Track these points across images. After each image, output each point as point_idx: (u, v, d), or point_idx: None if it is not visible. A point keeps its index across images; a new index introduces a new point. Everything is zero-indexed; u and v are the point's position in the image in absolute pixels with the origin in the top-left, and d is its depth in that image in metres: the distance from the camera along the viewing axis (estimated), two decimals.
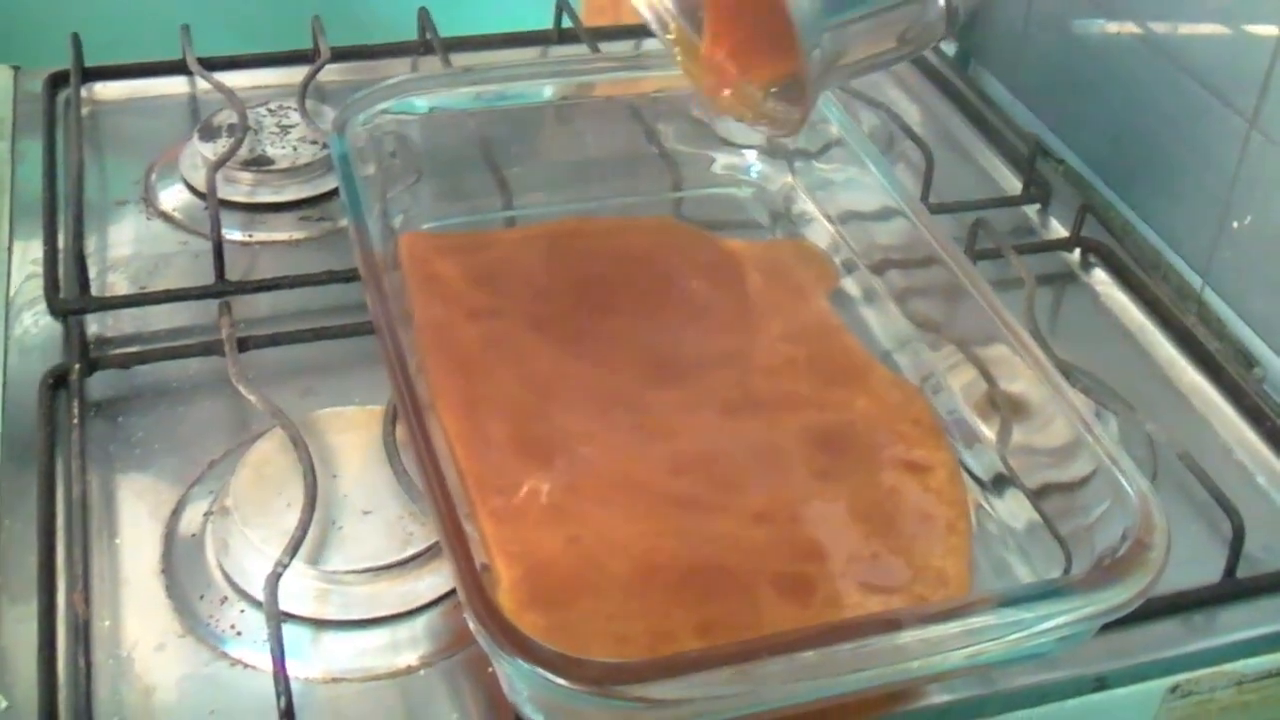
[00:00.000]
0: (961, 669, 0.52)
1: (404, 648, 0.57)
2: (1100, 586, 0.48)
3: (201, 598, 0.58)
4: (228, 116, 0.84)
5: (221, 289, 0.72)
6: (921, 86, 0.98)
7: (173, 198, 0.82)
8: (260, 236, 0.79)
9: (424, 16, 0.94)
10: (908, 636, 0.46)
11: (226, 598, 0.58)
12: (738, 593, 0.55)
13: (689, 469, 0.60)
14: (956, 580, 0.56)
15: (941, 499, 0.60)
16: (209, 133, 0.83)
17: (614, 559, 0.55)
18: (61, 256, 0.74)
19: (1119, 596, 0.48)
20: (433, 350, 0.63)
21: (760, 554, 0.56)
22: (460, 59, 0.91)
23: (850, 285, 0.73)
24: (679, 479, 0.59)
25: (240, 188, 0.81)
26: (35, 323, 0.71)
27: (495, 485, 0.58)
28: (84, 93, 0.90)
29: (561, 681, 0.44)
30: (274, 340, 0.70)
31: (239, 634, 0.57)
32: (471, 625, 0.45)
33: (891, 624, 0.47)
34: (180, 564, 0.60)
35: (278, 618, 0.53)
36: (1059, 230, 0.84)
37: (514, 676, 0.45)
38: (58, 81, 0.90)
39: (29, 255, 0.76)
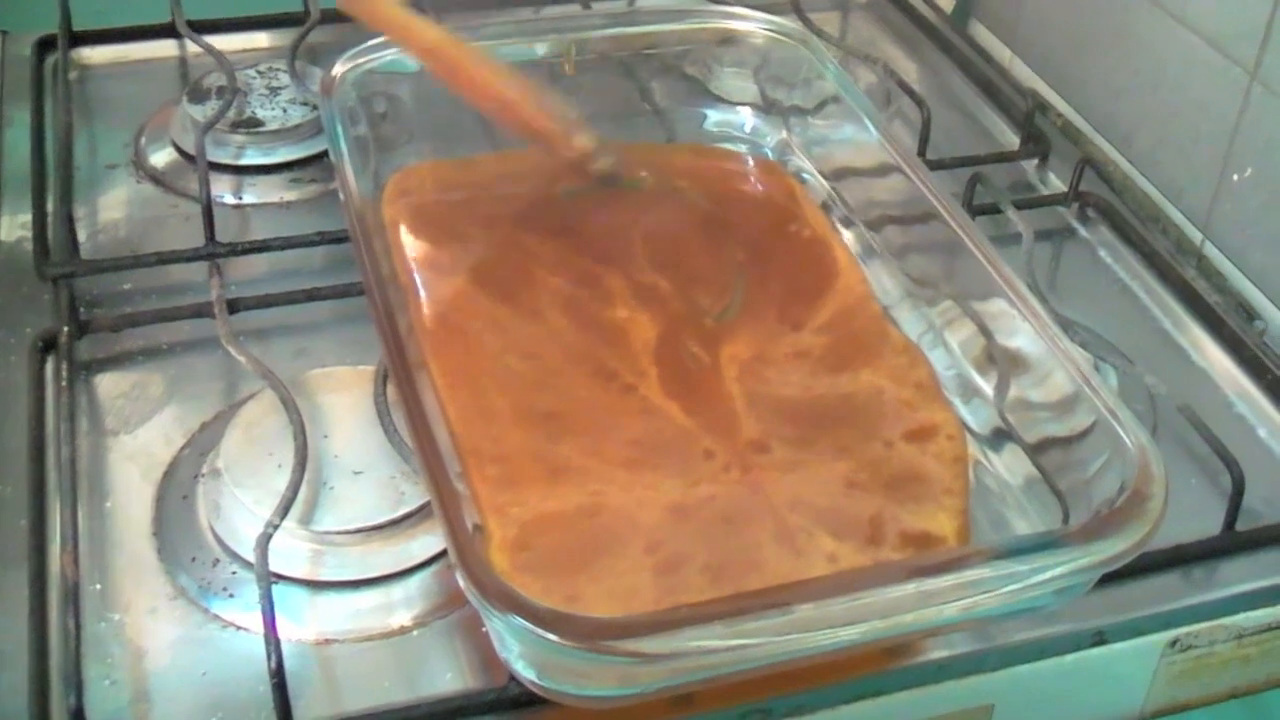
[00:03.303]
0: (958, 623, 0.52)
1: (397, 608, 0.56)
2: (1097, 537, 0.47)
3: (193, 560, 0.58)
4: (217, 79, 0.84)
5: (212, 251, 0.71)
6: (919, 42, 0.97)
7: (162, 161, 0.81)
8: (250, 199, 0.79)
9: None
10: (903, 590, 0.46)
11: (218, 560, 0.58)
12: (732, 556, 0.54)
13: (685, 431, 0.59)
14: (955, 538, 0.56)
15: (942, 459, 0.59)
16: (198, 95, 0.83)
17: (608, 520, 0.55)
18: (50, 220, 0.73)
19: (1116, 547, 0.47)
20: (419, 307, 0.63)
21: (758, 519, 0.56)
22: (452, 19, 0.90)
23: (847, 241, 0.72)
24: (674, 441, 0.59)
25: (230, 150, 0.80)
26: (24, 286, 0.71)
27: (488, 448, 0.57)
28: (72, 57, 0.89)
29: (552, 637, 0.43)
30: (264, 302, 0.69)
31: (231, 596, 0.56)
32: (461, 582, 0.45)
33: (886, 577, 0.46)
34: (171, 526, 0.59)
35: (268, 579, 0.53)
36: (1057, 185, 0.83)
37: (505, 633, 0.45)
38: (46, 46, 0.89)
39: (18, 219, 0.75)
